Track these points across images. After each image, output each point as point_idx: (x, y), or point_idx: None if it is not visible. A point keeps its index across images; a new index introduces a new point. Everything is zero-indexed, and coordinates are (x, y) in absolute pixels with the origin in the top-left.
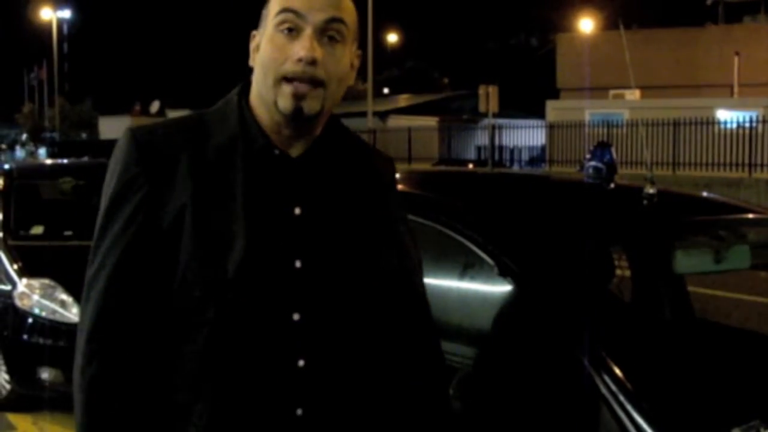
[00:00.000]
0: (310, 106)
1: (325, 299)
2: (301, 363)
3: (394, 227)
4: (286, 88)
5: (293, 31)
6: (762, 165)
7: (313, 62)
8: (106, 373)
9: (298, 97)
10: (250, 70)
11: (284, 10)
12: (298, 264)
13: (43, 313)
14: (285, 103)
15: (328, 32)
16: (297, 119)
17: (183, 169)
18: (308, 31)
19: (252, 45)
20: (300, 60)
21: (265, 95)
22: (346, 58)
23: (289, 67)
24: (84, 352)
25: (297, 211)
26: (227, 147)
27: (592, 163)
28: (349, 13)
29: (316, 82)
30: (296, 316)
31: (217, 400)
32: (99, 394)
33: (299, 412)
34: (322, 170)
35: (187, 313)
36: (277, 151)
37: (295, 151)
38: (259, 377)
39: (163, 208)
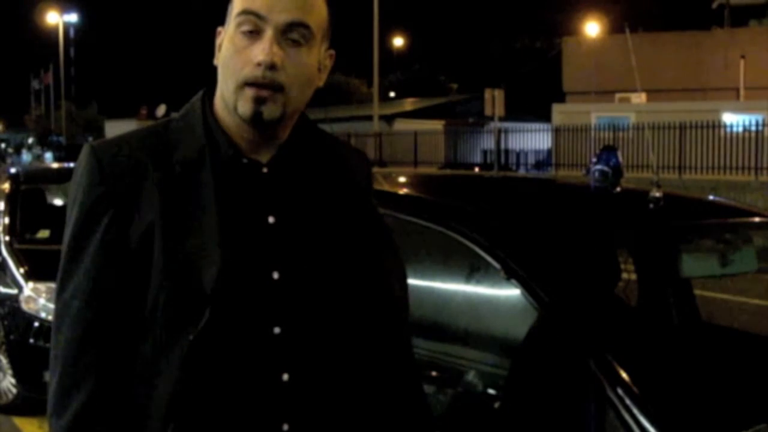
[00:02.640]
0: (270, 111)
1: (305, 310)
2: (285, 377)
3: (371, 227)
4: (248, 93)
5: (254, 33)
6: None
7: (272, 67)
8: (92, 402)
9: (258, 103)
10: (215, 69)
11: (245, 11)
12: (275, 275)
13: (50, 317)
14: (245, 108)
15: (290, 35)
16: (257, 125)
17: (149, 184)
18: (269, 33)
19: (217, 42)
20: (259, 64)
21: (228, 99)
22: (311, 60)
23: (249, 72)
24: (61, 383)
25: (271, 219)
26: (194, 158)
27: (599, 166)
28: (317, 14)
29: (276, 87)
30: (277, 330)
31: (199, 419)
32: (85, 426)
33: (286, 427)
34: (293, 175)
35: (164, 333)
36: (245, 160)
37: (265, 156)
38: (243, 394)
39: (131, 227)
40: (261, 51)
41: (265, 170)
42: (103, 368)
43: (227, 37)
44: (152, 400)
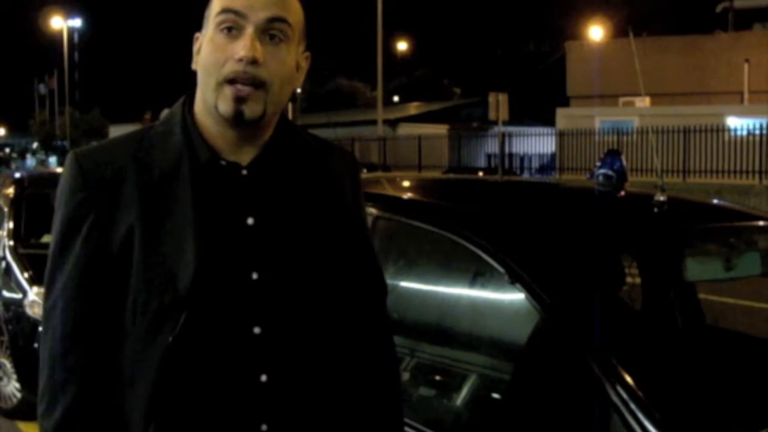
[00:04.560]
0: (252, 109)
1: (285, 310)
2: (263, 378)
3: (353, 228)
4: (228, 91)
5: (233, 30)
6: None
7: (254, 62)
8: (76, 403)
9: (239, 101)
10: (194, 74)
11: (225, 10)
12: (254, 276)
13: None
14: (225, 106)
15: (270, 31)
16: (238, 123)
17: (129, 188)
18: (249, 30)
19: (195, 47)
20: (240, 60)
21: (208, 99)
22: (290, 58)
23: (230, 68)
24: (48, 384)
25: (250, 221)
26: (173, 162)
27: (603, 170)
28: (294, 13)
29: (257, 83)
30: (257, 330)
31: (178, 421)
32: (70, 427)
33: (264, 428)
34: (273, 177)
35: (142, 335)
36: (223, 162)
37: (245, 158)
38: (221, 395)
39: (112, 231)
40: (242, 47)
41: (244, 172)
42: (88, 370)
43: (206, 39)
44: (132, 402)
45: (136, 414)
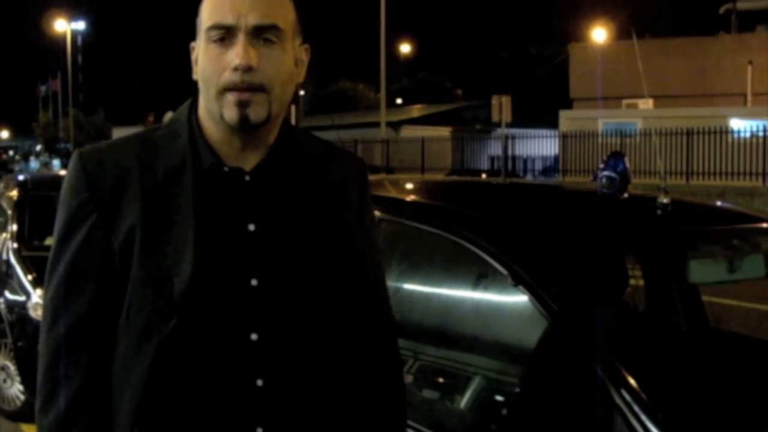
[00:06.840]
0: (256, 113)
1: (284, 317)
2: (259, 383)
3: (357, 234)
4: (230, 98)
5: (225, 40)
6: None
7: (249, 69)
8: (73, 403)
9: (242, 106)
10: (195, 84)
11: (213, 26)
12: (254, 282)
13: None
14: (230, 114)
15: (262, 35)
16: (245, 129)
17: (132, 190)
18: (241, 37)
19: (192, 57)
20: (236, 69)
21: (212, 108)
22: (287, 57)
23: (228, 77)
24: (44, 383)
25: (251, 227)
26: (177, 166)
27: (606, 172)
28: (283, 14)
29: (256, 89)
30: (254, 336)
31: (167, 425)
32: (66, 425)
33: (260, 431)
34: (277, 183)
35: (135, 338)
36: (226, 168)
37: (249, 163)
38: (215, 398)
39: (114, 231)
40: (236, 55)
41: (247, 178)
42: (83, 368)
43: (201, 50)
44: (120, 405)
45: (122, 417)
